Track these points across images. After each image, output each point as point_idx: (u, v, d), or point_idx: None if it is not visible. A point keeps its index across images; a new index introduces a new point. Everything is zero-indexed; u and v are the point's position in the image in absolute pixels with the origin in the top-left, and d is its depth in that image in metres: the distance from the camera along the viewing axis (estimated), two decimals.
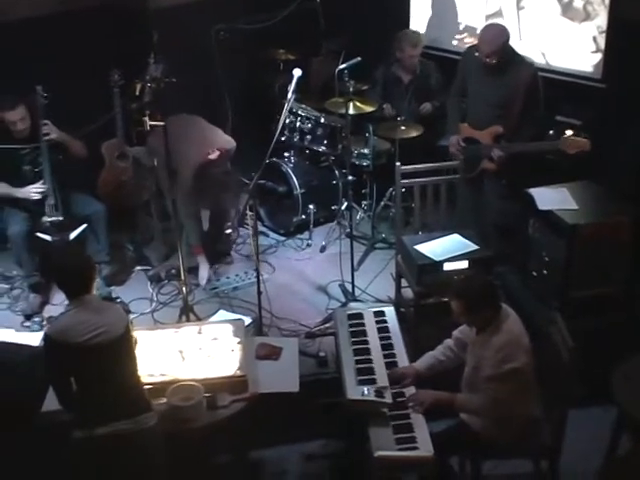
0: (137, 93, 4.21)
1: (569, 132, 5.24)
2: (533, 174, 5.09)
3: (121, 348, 3.51)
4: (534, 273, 5.00)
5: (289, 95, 4.64)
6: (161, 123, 4.16)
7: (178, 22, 5.75)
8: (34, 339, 4.90)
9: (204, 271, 5.57)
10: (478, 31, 6.13)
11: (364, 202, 6.20)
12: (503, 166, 4.97)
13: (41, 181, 5.15)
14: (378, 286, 5.46)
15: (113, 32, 5.73)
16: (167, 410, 3.78)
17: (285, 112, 4.66)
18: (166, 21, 5.70)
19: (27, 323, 5.18)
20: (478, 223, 5.18)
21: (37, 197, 5.14)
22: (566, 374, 3.71)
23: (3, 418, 4.08)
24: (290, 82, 4.70)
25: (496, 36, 4.85)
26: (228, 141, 5.44)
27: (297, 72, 4.67)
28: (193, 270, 5.56)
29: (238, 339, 4.26)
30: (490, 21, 5.99)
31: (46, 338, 3.48)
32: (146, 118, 4.14)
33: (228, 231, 5.78)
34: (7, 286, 5.58)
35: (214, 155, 5.15)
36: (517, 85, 4.86)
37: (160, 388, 3.86)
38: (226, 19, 5.85)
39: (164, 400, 3.80)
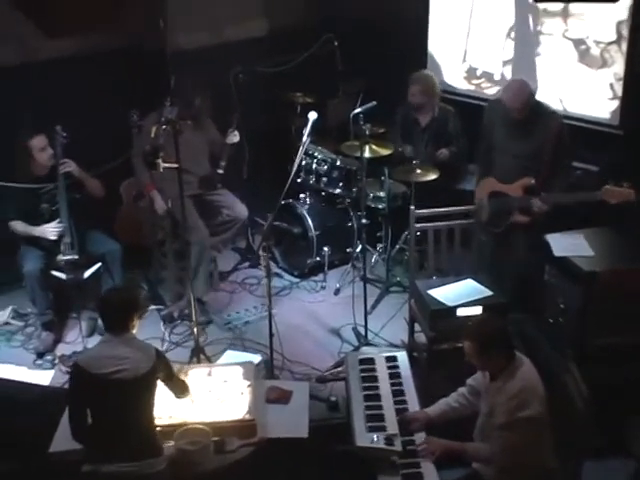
0: (152, 135, 4.25)
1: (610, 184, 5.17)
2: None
3: (141, 388, 3.54)
4: (550, 320, 4.92)
5: (304, 138, 4.67)
6: (174, 165, 4.19)
7: (197, 65, 5.82)
8: (45, 378, 4.93)
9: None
10: (495, 77, 6.25)
11: (379, 245, 6.18)
12: (541, 218, 4.91)
13: (57, 220, 5.18)
14: (392, 330, 5.42)
15: (132, 74, 5.80)
16: (174, 453, 3.74)
17: (300, 154, 4.68)
18: (185, 64, 5.77)
19: (39, 361, 5.17)
20: (496, 271, 5.13)
21: (54, 236, 5.17)
22: (581, 424, 3.64)
23: (13, 456, 4.07)
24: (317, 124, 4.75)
25: (521, 91, 4.84)
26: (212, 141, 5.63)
27: (312, 115, 4.69)
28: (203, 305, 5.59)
29: (248, 382, 4.23)
30: (507, 67, 6.02)
31: (73, 364, 3.60)
32: (159, 160, 4.17)
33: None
34: (21, 323, 5.60)
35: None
36: (545, 136, 4.85)
37: (168, 431, 3.83)
38: (244, 62, 5.90)
39: (172, 443, 3.77)
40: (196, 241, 5.49)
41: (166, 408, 3.97)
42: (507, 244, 5.14)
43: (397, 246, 6.07)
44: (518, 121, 4.87)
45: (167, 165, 4.18)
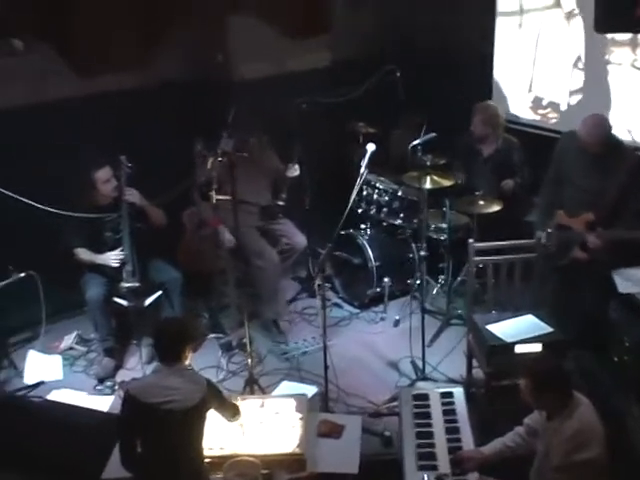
0: (209, 166, 4.30)
1: None
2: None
3: (191, 420, 3.55)
4: (614, 358, 4.76)
5: (362, 169, 4.65)
6: (227, 197, 4.22)
7: (259, 95, 5.88)
8: (104, 403, 5.01)
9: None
10: (562, 107, 6.13)
11: (441, 277, 6.10)
12: (597, 255, 4.78)
13: (120, 248, 5.29)
14: (450, 364, 5.32)
15: (196, 105, 5.90)
16: None
17: (357, 186, 4.66)
18: (247, 94, 5.84)
19: (99, 387, 5.26)
20: (560, 306, 4.99)
21: (116, 264, 5.28)
22: None
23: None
24: (370, 155, 4.74)
25: (598, 126, 4.76)
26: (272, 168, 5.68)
27: (371, 147, 4.69)
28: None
29: (300, 415, 4.21)
30: (574, 97, 5.90)
31: (126, 392, 3.63)
32: (212, 192, 4.21)
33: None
34: (84, 349, 5.72)
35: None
36: (617, 173, 4.74)
37: (218, 462, 3.85)
38: (307, 92, 5.93)
39: (221, 475, 3.77)
40: (265, 268, 5.57)
41: (217, 439, 3.99)
42: (571, 279, 5.01)
43: (459, 278, 5.98)
44: (593, 155, 4.77)
45: (221, 197, 4.22)
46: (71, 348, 5.72)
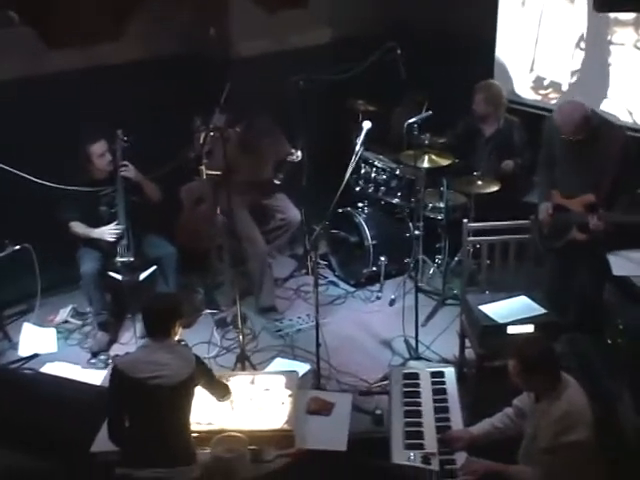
0: (201, 141, 4.27)
1: None
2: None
3: (178, 395, 3.56)
4: (608, 341, 4.74)
5: (357, 147, 4.62)
6: (217, 172, 4.20)
7: (257, 72, 5.84)
8: (97, 377, 5.02)
9: None
10: (563, 87, 6.06)
11: (438, 256, 6.08)
12: (597, 236, 4.72)
13: (115, 222, 5.28)
14: (444, 344, 5.31)
15: (194, 80, 5.86)
16: (210, 460, 3.75)
17: (352, 163, 4.64)
18: (244, 70, 5.80)
19: (93, 360, 5.28)
20: (555, 288, 4.97)
21: (111, 238, 5.27)
22: (629, 455, 3.48)
23: (56, 453, 4.16)
24: (366, 133, 4.71)
25: (572, 115, 4.61)
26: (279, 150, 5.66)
27: (367, 124, 4.67)
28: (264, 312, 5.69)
29: (290, 392, 4.21)
30: (575, 77, 5.84)
31: (113, 367, 3.63)
32: (202, 167, 4.18)
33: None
34: (79, 322, 5.73)
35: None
36: (608, 153, 4.65)
37: (206, 437, 3.85)
38: (306, 69, 5.88)
39: (208, 450, 3.78)
40: (254, 255, 5.57)
41: (205, 414, 3.99)
42: (567, 261, 4.98)
43: (456, 258, 5.95)
44: (578, 140, 4.69)
45: (211, 172, 4.20)
46: (66, 321, 5.73)
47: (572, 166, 4.79)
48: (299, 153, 5.79)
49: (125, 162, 5.31)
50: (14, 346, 5.41)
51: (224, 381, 4.09)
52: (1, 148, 5.03)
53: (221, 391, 3.91)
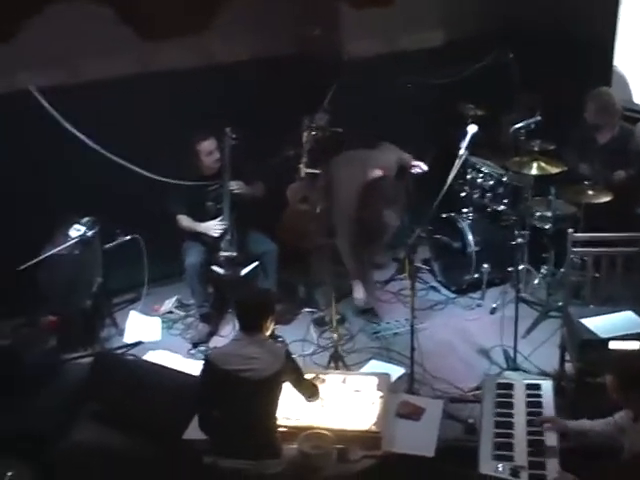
0: (304, 140, 4.31)
1: None
2: None
3: (266, 390, 3.60)
4: None
5: (461, 151, 4.56)
6: (316, 171, 4.23)
7: (366, 73, 5.85)
8: (196, 367, 5.13)
9: (358, 292, 5.62)
10: None
11: (544, 267, 5.91)
12: None
13: (221, 217, 5.40)
14: (544, 356, 5.14)
15: (304, 80, 5.92)
16: (296, 456, 3.78)
17: (455, 168, 4.58)
18: (352, 71, 5.82)
19: (193, 351, 5.42)
20: None
21: (216, 234, 5.40)
22: None
23: (152, 438, 4.29)
24: (472, 138, 4.64)
25: None
26: (388, 159, 5.45)
27: (472, 129, 4.62)
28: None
29: (380, 393, 4.20)
30: None
31: (205, 359, 3.74)
32: (302, 165, 4.22)
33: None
34: (183, 313, 5.90)
35: (375, 173, 5.13)
36: None
37: (293, 433, 3.89)
38: (415, 72, 5.85)
39: (295, 445, 3.81)
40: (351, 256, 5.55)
41: (295, 410, 4.03)
42: None
43: (561, 270, 5.77)
44: None
45: (310, 171, 4.23)
46: (170, 312, 5.91)
47: None
48: (424, 167, 5.68)
49: (238, 182, 5.41)
50: (120, 332, 5.64)
51: (318, 382, 4.11)
52: (115, 143, 5.21)
53: (309, 391, 3.91)
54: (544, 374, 4.92)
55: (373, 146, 5.64)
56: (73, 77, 5.42)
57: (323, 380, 4.28)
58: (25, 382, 4.60)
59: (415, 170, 5.70)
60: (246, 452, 3.51)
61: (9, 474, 3.65)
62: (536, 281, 5.93)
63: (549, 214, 5.69)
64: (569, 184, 5.60)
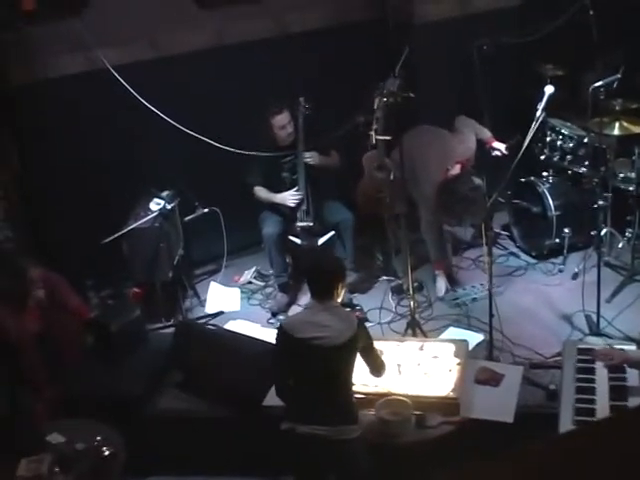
0: (375, 107, 4.27)
1: None
2: None
3: (340, 356, 3.60)
4: None
5: (538, 112, 4.45)
6: (387, 138, 4.19)
7: (442, 36, 5.75)
8: (274, 336, 5.22)
9: (442, 283, 5.58)
10: None
11: (628, 230, 5.73)
12: None
13: (296, 188, 5.44)
14: (631, 321, 5.02)
15: (378, 45, 5.86)
16: (374, 422, 3.82)
17: (532, 130, 4.47)
18: (430, 35, 5.73)
19: (272, 320, 5.50)
20: None
21: (292, 204, 5.44)
22: None
23: (232, 404, 4.40)
24: (550, 98, 4.51)
25: None
26: (468, 148, 5.33)
27: (549, 89, 4.50)
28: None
29: (458, 360, 4.18)
30: None
31: (279, 327, 3.77)
32: (372, 132, 4.19)
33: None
34: (262, 283, 5.98)
35: (455, 170, 5.09)
36: None
37: (371, 399, 3.92)
38: (492, 33, 5.71)
39: (373, 411, 3.84)
40: (429, 223, 5.53)
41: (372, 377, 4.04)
42: None
43: None
44: None
45: (381, 137, 4.19)
46: (250, 282, 6.00)
47: None
48: (505, 149, 5.53)
49: (312, 153, 5.42)
50: (202, 303, 5.77)
51: (396, 344, 4.11)
52: (192, 118, 5.30)
53: (376, 364, 3.80)
54: (628, 339, 4.79)
55: (450, 123, 5.59)
56: (148, 53, 5.51)
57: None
58: (112, 351, 4.77)
59: (495, 153, 5.58)
60: (323, 418, 3.53)
61: (98, 438, 3.79)
62: (620, 245, 5.76)
63: (633, 175, 5.50)
64: None
